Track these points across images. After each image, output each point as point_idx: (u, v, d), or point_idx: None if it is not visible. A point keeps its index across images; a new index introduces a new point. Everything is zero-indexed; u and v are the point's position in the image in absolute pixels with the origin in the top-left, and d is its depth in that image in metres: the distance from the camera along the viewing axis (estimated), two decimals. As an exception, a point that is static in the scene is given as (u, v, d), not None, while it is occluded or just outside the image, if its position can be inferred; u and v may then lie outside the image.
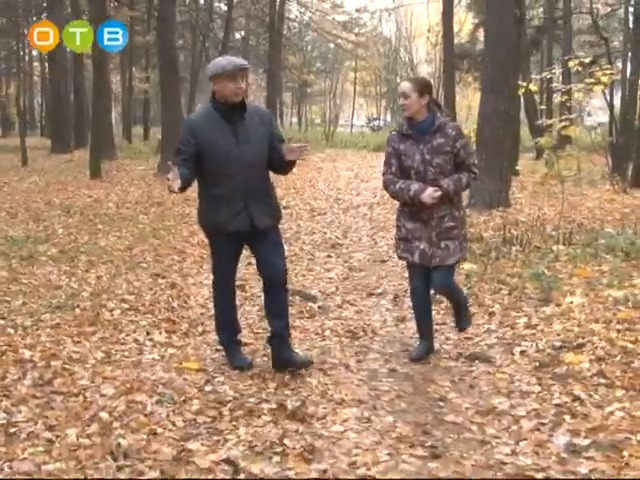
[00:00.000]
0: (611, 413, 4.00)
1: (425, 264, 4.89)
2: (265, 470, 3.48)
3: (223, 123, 4.65)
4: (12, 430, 3.85)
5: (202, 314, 6.28)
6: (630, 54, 20.36)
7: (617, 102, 22.64)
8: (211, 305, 6.42)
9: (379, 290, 7.15)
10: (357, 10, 40.85)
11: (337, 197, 14.66)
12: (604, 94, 18.78)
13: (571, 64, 13.01)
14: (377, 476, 3.42)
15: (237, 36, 39.38)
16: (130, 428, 3.90)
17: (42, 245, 8.95)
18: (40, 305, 6.30)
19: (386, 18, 48.46)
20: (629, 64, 20.74)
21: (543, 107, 24.34)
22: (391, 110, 58.02)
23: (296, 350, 5.06)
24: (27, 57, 43.71)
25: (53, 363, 4.85)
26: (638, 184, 16.07)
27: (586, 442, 3.70)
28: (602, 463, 3.50)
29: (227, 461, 3.56)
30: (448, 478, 3.42)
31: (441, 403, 4.36)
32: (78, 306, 6.29)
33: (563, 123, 9.08)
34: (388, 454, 3.66)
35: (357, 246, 9.54)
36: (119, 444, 3.68)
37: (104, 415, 4.05)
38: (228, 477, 3.41)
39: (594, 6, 34.21)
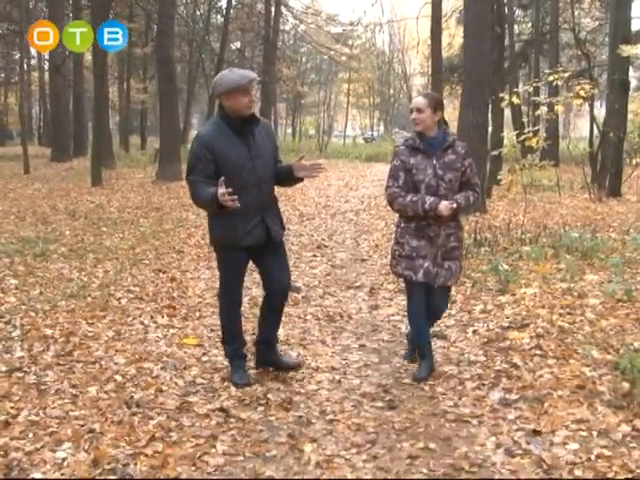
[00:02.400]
0: (540, 376, 4.83)
1: (429, 283, 4.83)
2: (252, 416, 4.30)
3: (235, 138, 4.62)
4: (42, 387, 4.67)
5: (199, 302, 7.06)
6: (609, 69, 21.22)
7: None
8: (208, 295, 7.30)
9: (357, 284, 7.95)
10: (351, 23, 41.87)
11: (326, 204, 15.47)
12: (591, 107, 19.65)
13: (551, 78, 13.92)
14: (342, 420, 4.24)
15: (232, 47, 40.21)
16: (140, 387, 4.72)
17: (52, 244, 9.75)
18: (55, 294, 7.10)
19: (379, 29, 49.44)
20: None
21: (525, 119, 25.14)
22: (384, 121, 58.96)
23: (283, 349, 5.41)
24: (26, 66, 44.54)
25: (71, 339, 5.68)
26: (614, 193, 16.92)
27: (516, 397, 4.53)
28: (527, 412, 4.32)
29: (221, 409, 4.38)
30: (400, 422, 4.24)
31: (401, 370, 5.17)
32: (89, 295, 7.11)
33: (526, 135, 9.90)
34: (353, 406, 4.49)
35: (341, 247, 10.36)
36: (132, 397, 4.51)
37: (118, 377, 4.88)
38: (221, 420, 4.22)
39: (583, 20, 35.37)
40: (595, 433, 3.96)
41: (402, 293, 7.19)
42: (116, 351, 5.45)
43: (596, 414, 4.19)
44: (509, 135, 10.74)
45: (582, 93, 13.08)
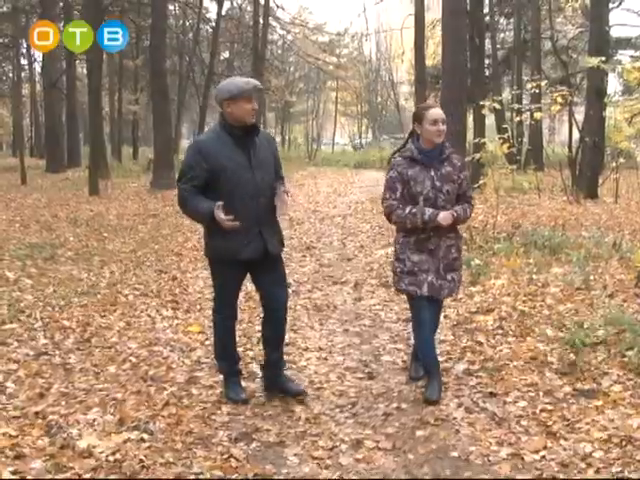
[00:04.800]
0: (500, 350, 5.60)
1: (435, 296, 4.81)
2: (250, 386, 5.03)
3: (236, 147, 4.52)
4: (68, 367, 5.40)
5: (199, 298, 7.76)
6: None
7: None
8: (207, 291, 7.96)
9: (343, 280, 8.68)
10: (338, 33, 42.73)
11: (315, 209, 16.20)
12: (570, 113, 20.40)
13: (529, 86, 14.70)
14: (327, 388, 4.97)
15: (221, 58, 40.87)
16: (153, 365, 5.45)
17: (59, 249, 10.45)
18: (68, 292, 7.80)
19: (366, 39, 50.31)
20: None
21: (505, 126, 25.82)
22: (372, 129, 59.73)
23: (289, 375, 5.11)
24: (16, 78, 45.09)
25: (88, 329, 6.41)
26: (591, 195, 17.69)
27: (477, 367, 5.28)
28: (486, 379, 5.07)
29: (224, 381, 5.10)
30: (378, 388, 4.98)
31: (380, 349, 5.91)
32: (99, 292, 7.83)
33: (496, 141, 10.67)
34: (337, 377, 5.25)
35: (328, 248, 11.09)
36: (147, 373, 5.25)
37: (133, 359, 5.60)
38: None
39: (565, 27, 36.33)
40: (542, 393, 4.72)
41: (384, 287, 7.97)
42: (128, 338, 6.17)
43: (544, 379, 4.96)
44: (481, 142, 11.50)
45: (560, 100, 13.91)
